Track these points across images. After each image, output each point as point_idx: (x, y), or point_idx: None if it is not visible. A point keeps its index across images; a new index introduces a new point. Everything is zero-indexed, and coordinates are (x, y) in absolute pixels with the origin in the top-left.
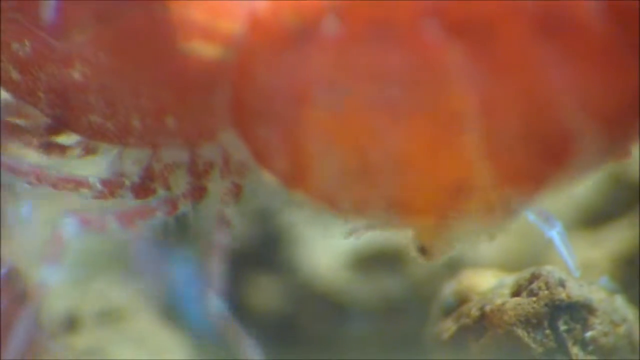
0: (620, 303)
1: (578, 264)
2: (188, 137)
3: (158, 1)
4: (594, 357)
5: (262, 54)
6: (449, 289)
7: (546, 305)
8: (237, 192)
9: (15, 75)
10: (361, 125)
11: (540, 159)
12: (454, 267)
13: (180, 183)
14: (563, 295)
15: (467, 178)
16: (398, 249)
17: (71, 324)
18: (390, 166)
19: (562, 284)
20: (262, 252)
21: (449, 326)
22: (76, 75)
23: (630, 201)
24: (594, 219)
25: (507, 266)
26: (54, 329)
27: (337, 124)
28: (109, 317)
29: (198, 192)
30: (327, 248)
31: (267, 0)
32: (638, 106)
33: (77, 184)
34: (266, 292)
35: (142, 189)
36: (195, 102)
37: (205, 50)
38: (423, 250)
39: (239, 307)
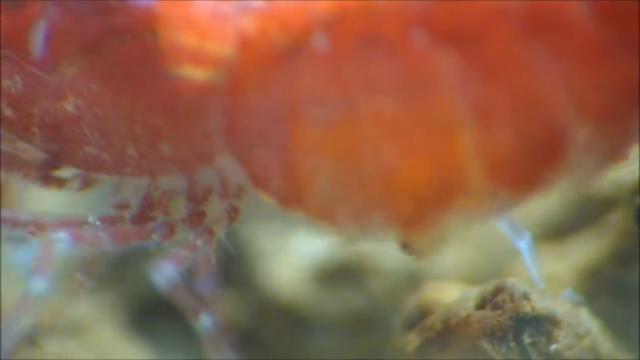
0: (584, 315)
1: (543, 276)
2: (184, 162)
3: (146, 28)
4: None
5: (252, 74)
6: (412, 302)
7: (511, 318)
8: (233, 214)
9: (8, 112)
10: (355, 138)
11: (533, 159)
12: (415, 280)
13: (179, 209)
14: (528, 308)
15: (460, 182)
16: (360, 263)
17: (35, 336)
18: (384, 176)
19: (526, 296)
20: (224, 267)
21: (412, 339)
22: (69, 107)
23: (593, 213)
24: (557, 231)
25: (469, 279)
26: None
27: (331, 138)
28: (73, 329)
29: (197, 217)
30: (289, 262)
31: (255, 19)
32: (633, 104)
33: (77, 225)
34: (228, 307)
35: (142, 218)
36: (189, 127)
37: (196, 73)
38: (407, 247)
39: None
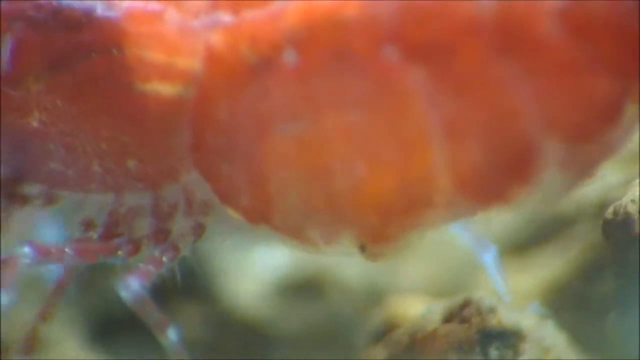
0: (550, 329)
1: (509, 289)
2: (151, 179)
3: (113, 44)
4: None
5: (221, 89)
6: (377, 316)
7: (477, 331)
8: (199, 230)
9: None
10: (325, 154)
11: (504, 176)
12: (378, 294)
13: (145, 226)
14: (494, 322)
15: (430, 198)
16: (321, 277)
17: None
18: (354, 192)
19: (493, 310)
20: (185, 282)
21: (378, 353)
22: (35, 123)
23: (557, 226)
24: (521, 244)
25: (433, 292)
26: None
27: (300, 154)
28: (36, 343)
29: (162, 234)
30: (250, 276)
31: (224, 35)
32: (603, 121)
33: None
34: (189, 322)
35: (107, 235)
36: (156, 143)
37: (164, 89)
38: (365, 251)
39: None
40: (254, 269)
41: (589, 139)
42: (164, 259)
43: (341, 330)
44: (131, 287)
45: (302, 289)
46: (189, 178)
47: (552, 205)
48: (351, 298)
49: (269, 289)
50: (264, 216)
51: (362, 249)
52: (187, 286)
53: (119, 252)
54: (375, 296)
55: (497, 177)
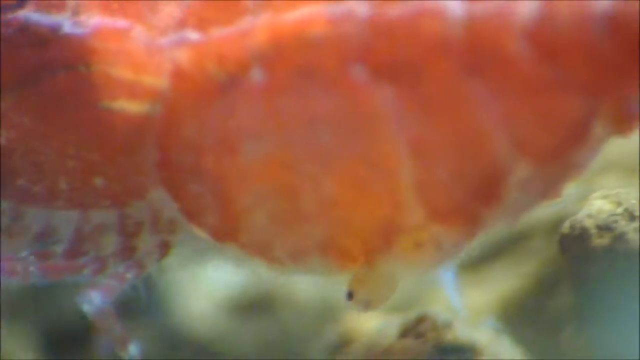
0: (506, 344)
1: (464, 304)
2: (117, 197)
3: (80, 61)
4: None
5: (187, 107)
6: (332, 331)
7: (433, 346)
8: (165, 248)
9: None
10: (292, 173)
11: (472, 197)
12: (331, 310)
13: (110, 243)
14: (450, 337)
15: (399, 219)
16: (274, 294)
17: None
18: (322, 212)
19: (448, 325)
20: (136, 297)
21: None
22: (1, 140)
23: (511, 241)
24: (476, 259)
25: (388, 307)
26: None
27: (267, 173)
28: None
29: (128, 252)
30: (202, 293)
31: (191, 52)
32: (571, 141)
33: (8, 259)
34: (141, 338)
35: (73, 253)
36: (123, 161)
37: (131, 107)
38: (353, 297)
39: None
40: (207, 285)
41: (557, 159)
42: (128, 275)
43: (295, 346)
44: (94, 301)
45: (256, 305)
46: (155, 196)
47: (515, 223)
48: (305, 314)
49: (222, 305)
50: (230, 235)
51: (350, 295)
52: (138, 302)
53: (85, 271)
54: (329, 312)
55: (465, 199)
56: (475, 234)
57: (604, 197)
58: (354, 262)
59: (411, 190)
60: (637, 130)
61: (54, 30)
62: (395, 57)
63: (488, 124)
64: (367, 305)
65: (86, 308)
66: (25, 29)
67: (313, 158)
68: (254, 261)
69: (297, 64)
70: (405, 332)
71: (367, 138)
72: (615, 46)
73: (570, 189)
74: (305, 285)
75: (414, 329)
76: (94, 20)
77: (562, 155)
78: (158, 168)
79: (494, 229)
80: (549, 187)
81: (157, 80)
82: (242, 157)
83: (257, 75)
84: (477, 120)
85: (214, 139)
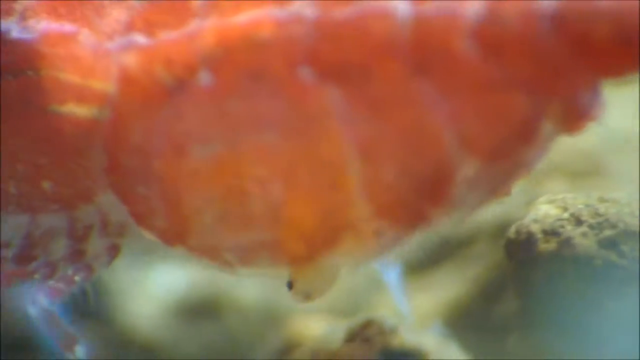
0: (453, 349)
1: (411, 309)
2: (66, 201)
3: (28, 66)
4: None
5: (135, 111)
6: (277, 335)
7: (380, 351)
8: (114, 251)
9: None
10: (241, 176)
11: (419, 195)
12: (276, 314)
13: (60, 248)
14: (396, 342)
15: (346, 217)
16: (218, 298)
17: None
18: (271, 213)
19: (395, 330)
20: (80, 301)
21: None
22: None
23: (455, 245)
24: (421, 263)
25: (335, 312)
26: None
27: (215, 175)
28: None
29: (77, 255)
30: (147, 297)
31: (138, 56)
32: (518, 139)
33: None
34: (87, 340)
35: (23, 257)
36: (71, 165)
37: (79, 111)
38: (293, 287)
39: None
40: (151, 289)
41: (504, 157)
42: (76, 278)
43: (240, 350)
44: (39, 303)
45: (200, 309)
46: (104, 199)
47: (462, 223)
48: (250, 318)
49: (166, 309)
50: (179, 237)
51: (290, 285)
52: (82, 305)
53: (36, 276)
54: (274, 316)
55: (413, 198)
56: (419, 229)
57: (550, 201)
58: (302, 261)
59: (359, 190)
60: (585, 130)
61: (2, 35)
62: (342, 58)
63: (435, 123)
64: (307, 296)
65: (31, 310)
66: None
67: (261, 160)
68: (203, 263)
69: (245, 66)
70: (351, 337)
71: (315, 139)
72: (561, 45)
73: (516, 194)
74: (251, 290)
75: (361, 333)
76: (41, 25)
77: (509, 153)
78: (106, 172)
79: (443, 228)
80: (497, 185)
81: (105, 84)
82: (191, 160)
83: (205, 78)
84: (424, 119)
85: (162, 143)
